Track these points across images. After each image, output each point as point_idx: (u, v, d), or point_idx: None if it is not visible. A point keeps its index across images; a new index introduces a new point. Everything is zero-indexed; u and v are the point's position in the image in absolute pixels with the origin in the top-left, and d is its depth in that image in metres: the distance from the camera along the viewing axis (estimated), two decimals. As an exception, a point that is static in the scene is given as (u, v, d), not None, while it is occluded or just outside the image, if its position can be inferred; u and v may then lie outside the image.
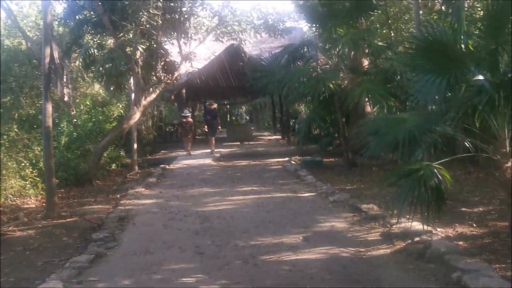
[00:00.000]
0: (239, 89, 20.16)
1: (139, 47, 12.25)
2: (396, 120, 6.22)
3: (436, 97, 5.26)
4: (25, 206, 9.21)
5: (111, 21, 12.09)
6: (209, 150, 16.18)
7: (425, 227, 5.20)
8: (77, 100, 18.94)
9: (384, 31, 15.16)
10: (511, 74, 4.61)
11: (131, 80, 13.55)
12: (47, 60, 8.17)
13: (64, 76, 18.51)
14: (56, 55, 8.86)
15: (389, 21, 14.50)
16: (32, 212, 8.53)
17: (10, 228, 7.15)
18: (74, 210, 8.51)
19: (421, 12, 9.72)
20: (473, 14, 10.38)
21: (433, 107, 6.00)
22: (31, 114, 14.95)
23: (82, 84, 20.72)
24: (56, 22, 16.43)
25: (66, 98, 18.10)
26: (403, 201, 4.81)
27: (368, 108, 12.26)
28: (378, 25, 15.23)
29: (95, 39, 13.27)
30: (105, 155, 13.60)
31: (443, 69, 5.04)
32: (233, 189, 9.77)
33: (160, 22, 12.25)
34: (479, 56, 5.11)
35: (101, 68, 12.50)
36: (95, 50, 12.94)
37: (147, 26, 12.27)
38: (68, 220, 7.71)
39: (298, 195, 8.80)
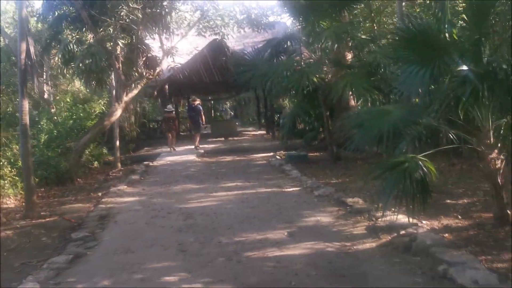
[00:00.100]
0: (222, 85, 20.01)
1: (119, 42, 12.04)
2: (380, 112, 6.17)
3: (420, 89, 5.20)
4: (4, 206, 8.93)
5: (90, 16, 11.84)
6: (193, 146, 16.03)
7: (411, 220, 5.14)
8: (58, 97, 18.66)
9: (367, 24, 15.12)
10: (495, 64, 4.54)
11: (113, 76, 13.33)
12: (23, 55, 7.92)
13: (44, 73, 18.30)
14: (32, 50, 8.59)
15: (372, 14, 14.45)
16: (11, 212, 8.30)
17: (-13, 229, 6.93)
18: (54, 210, 8.29)
19: (404, 3, 9.68)
20: (455, 7, 10.37)
21: (417, 99, 5.96)
22: (9, 112, 14.62)
23: (63, 81, 20.42)
24: (35, 18, 16.10)
25: (46, 96, 17.89)
26: (388, 194, 4.75)
27: (352, 102, 12.23)
28: (361, 19, 15.18)
29: (74, 35, 12.98)
30: (87, 152, 13.37)
31: (427, 59, 4.98)
32: (217, 185, 9.66)
33: (141, 16, 12.02)
34: (463, 47, 5.07)
35: (80, 64, 12.29)
36: (75, 46, 12.70)
37: (127, 20, 12.03)
38: (47, 219, 7.50)
39: (283, 190, 8.71)
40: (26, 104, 8.06)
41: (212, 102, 34.47)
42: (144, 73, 13.74)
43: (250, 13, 15.35)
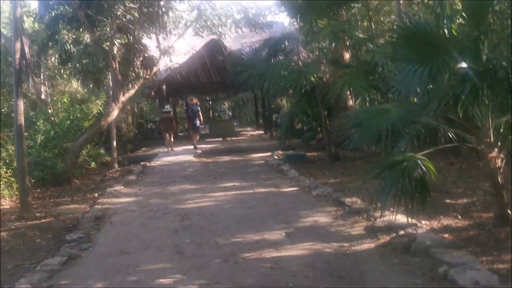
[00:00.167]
0: (220, 85, 19.92)
1: (116, 42, 11.98)
2: (378, 111, 6.08)
3: (419, 87, 5.13)
4: (-1, 207, 8.88)
5: (87, 15, 11.78)
6: (191, 147, 15.96)
7: (410, 220, 5.06)
8: (55, 98, 18.58)
9: (365, 23, 15.07)
10: (495, 61, 4.47)
11: (110, 76, 13.25)
12: (18, 55, 7.83)
13: (41, 74, 18.21)
14: (27, 49, 8.51)
15: (370, 13, 14.40)
16: (6, 213, 8.21)
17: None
18: (49, 210, 8.21)
19: (401, 2, 9.63)
20: (453, 6, 10.31)
21: (415, 98, 5.89)
22: (4, 112, 14.53)
23: (60, 81, 20.34)
24: (32, 18, 16.03)
25: (43, 96, 17.81)
26: (387, 193, 4.67)
27: (350, 102, 12.17)
28: (359, 18, 15.13)
29: (70, 35, 12.91)
30: (85, 153, 13.30)
31: (426, 57, 4.91)
32: (215, 185, 9.58)
33: (137, 15, 11.96)
34: (462, 44, 4.99)
35: (77, 64, 12.23)
36: (71, 46, 12.64)
37: (124, 20, 11.96)
38: (42, 221, 7.42)
39: (281, 190, 8.64)
40: (21, 105, 7.98)
41: (210, 102, 34.39)
42: (141, 73, 13.67)
43: (248, 13, 15.30)
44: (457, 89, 4.90)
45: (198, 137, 16.70)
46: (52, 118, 14.00)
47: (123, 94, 12.90)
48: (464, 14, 5.51)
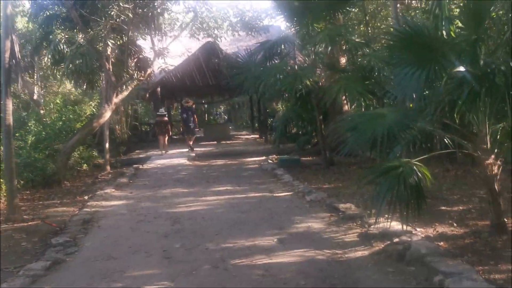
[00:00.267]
0: (216, 88, 19.83)
1: (109, 42, 11.82)
2: (374, 115, 5.96)
3: (415, 91, 5.02)
4: (-14, 209, 8.69)
5: (80, 15, 11.67)
6: (185, 150, 15.83)
7: (405, 227, 4.93)
8: (47, 99, 18.39)
9: (361, 28, 14.99)
10: (494, 66, 4.37)
11: (103, 77, 13.11)
12: (7, 54, 7.68)
13: (35, 74, 18.01)
14: (17, 48, 8.34)
15: (366, 18, 14.32)
16: (-8, 215, 8.03)
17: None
18: (37, 213, 8.03)
19: (398, 6, 9.55)
20: (450, 11, 10.25)
21: (412, 103, 5.78)
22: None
23: (54, 82, 20.15)
24: (26, 18, 15.85)
25: (35, 97, 17.61)
26: (381, 199, 4.55)
27: (346, 106, 12.06)
28: (355, 22, 15.05)
29: (63, 35, 12.75)
30: (77, 155, 13.12)
31: (423, 60, 4.80)
32: (208, 189, 9.44)
33: (131, 16, 11.82)
34: (459, 47, 4.89)
35: (70, 65, 12.06)
36: (65, 46, 12.46)
37: (118, 20, 11.82)
38: (30, 223, 7.24)
39: (274, 194, 8.51)
40: (10, 105, 7.84)
41: (205, 105, 34.26)
42: (135, 75, 13.53)
43: (244, 16, 15.21)
44: (454, 94, 4.81)
45: (194, 138, 16.60)
46: (44, 119, 13.81)
47: (116, 95, 12.76)
48: (462, 17, 5.42)
